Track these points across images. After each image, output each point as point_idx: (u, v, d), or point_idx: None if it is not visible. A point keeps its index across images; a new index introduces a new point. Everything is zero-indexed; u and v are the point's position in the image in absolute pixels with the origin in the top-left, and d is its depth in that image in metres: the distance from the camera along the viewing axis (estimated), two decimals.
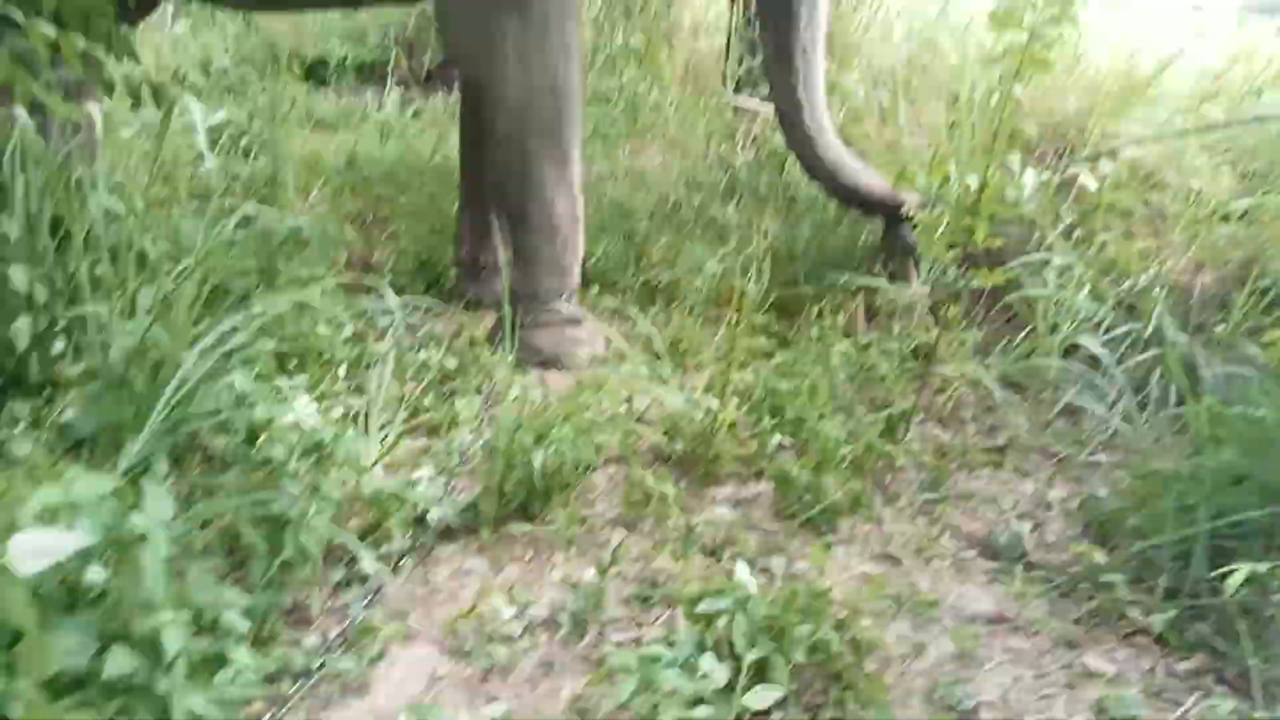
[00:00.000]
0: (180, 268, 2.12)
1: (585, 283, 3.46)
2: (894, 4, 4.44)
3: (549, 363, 2.81)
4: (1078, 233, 2.98)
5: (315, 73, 5.81)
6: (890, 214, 3.05)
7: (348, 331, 2.67)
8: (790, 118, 3.01)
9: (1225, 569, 1.62)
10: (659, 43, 5.49)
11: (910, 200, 2.96)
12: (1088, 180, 2.72)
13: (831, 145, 3.00)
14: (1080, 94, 3.32)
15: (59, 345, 2.19)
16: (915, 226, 2.92)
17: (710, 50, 5.17)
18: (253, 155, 4.19)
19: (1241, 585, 1.58)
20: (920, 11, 4.43)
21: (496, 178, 2.80)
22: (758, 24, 2.93)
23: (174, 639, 1.27)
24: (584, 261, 3.47)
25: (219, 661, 1.40)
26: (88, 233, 2.18)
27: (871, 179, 3.01)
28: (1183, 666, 1.72)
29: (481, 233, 3.26)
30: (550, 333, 2.84)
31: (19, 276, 2.06)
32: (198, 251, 2.13)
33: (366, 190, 3.95)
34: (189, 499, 1.76)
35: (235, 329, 1.99)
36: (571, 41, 2.62)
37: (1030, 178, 2.34)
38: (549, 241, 2.79)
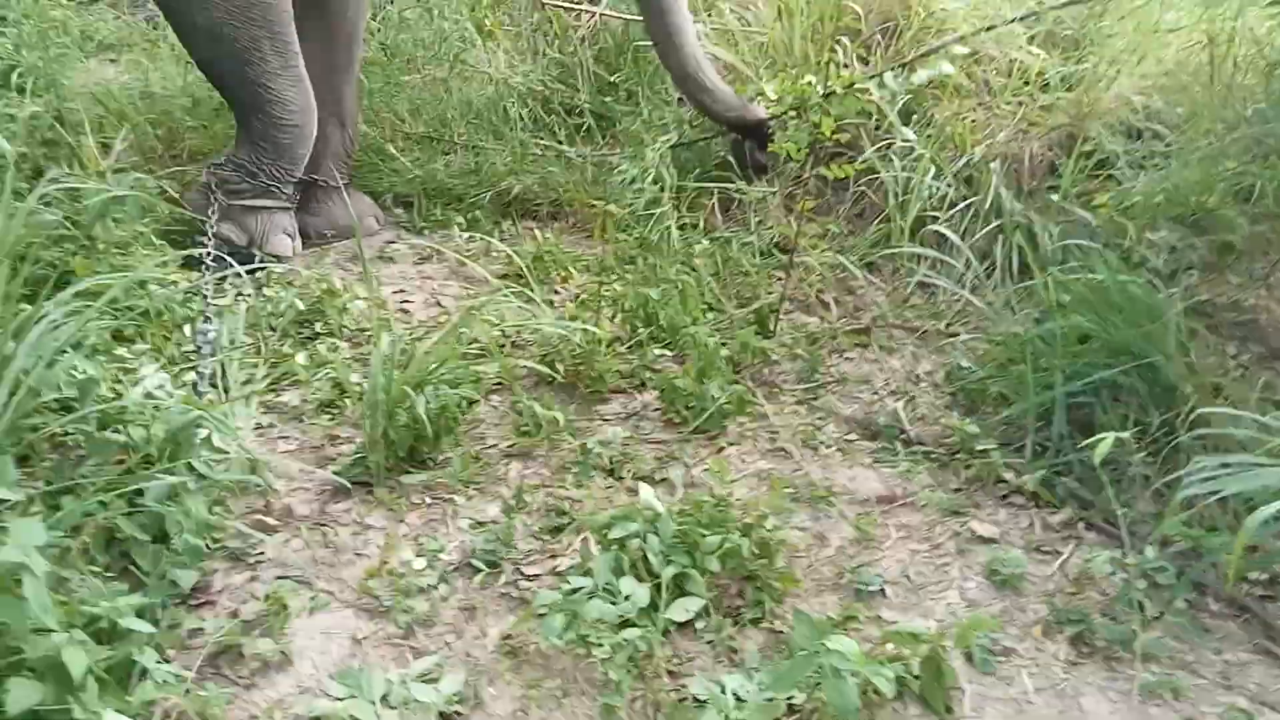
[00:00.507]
0: None
1: (429, 200, 3.33)
2: None
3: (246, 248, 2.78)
4: (914, 114, 3.06)
5: None
6: (741, 128, 3.03)
7: (183, 287, 2.48)
8: (660, 33, 2.92)
9: (1089, 436, 1.74)
10: None
11: (761, 114, 2.95)
12: (947, 68, 2.75)
13: (698, 53, 2.94)
14: None
15: None
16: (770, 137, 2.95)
17: None
18: (29, 92, 3.72)
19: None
20: None
21: (214, 76, 2.76)
22: None
23: (77, 660, 1.17)
24: (424, 179, 3.35)
25: (128, 668, 1.31)
26: None
27: (729, 96, 2.97)
28: (1057, 519, 1.88)
29: (312, 155, 3.04)
30: (244, 219, 2.79)
31: None
32: (3, 235, 1.89)
33: (171, 125, 3.60)
34: (49, 499, 1.61)
35: (64, 311, 1.79)
36: None
37: (891, 81, 2.37)
38: (282, 131, 2.74)
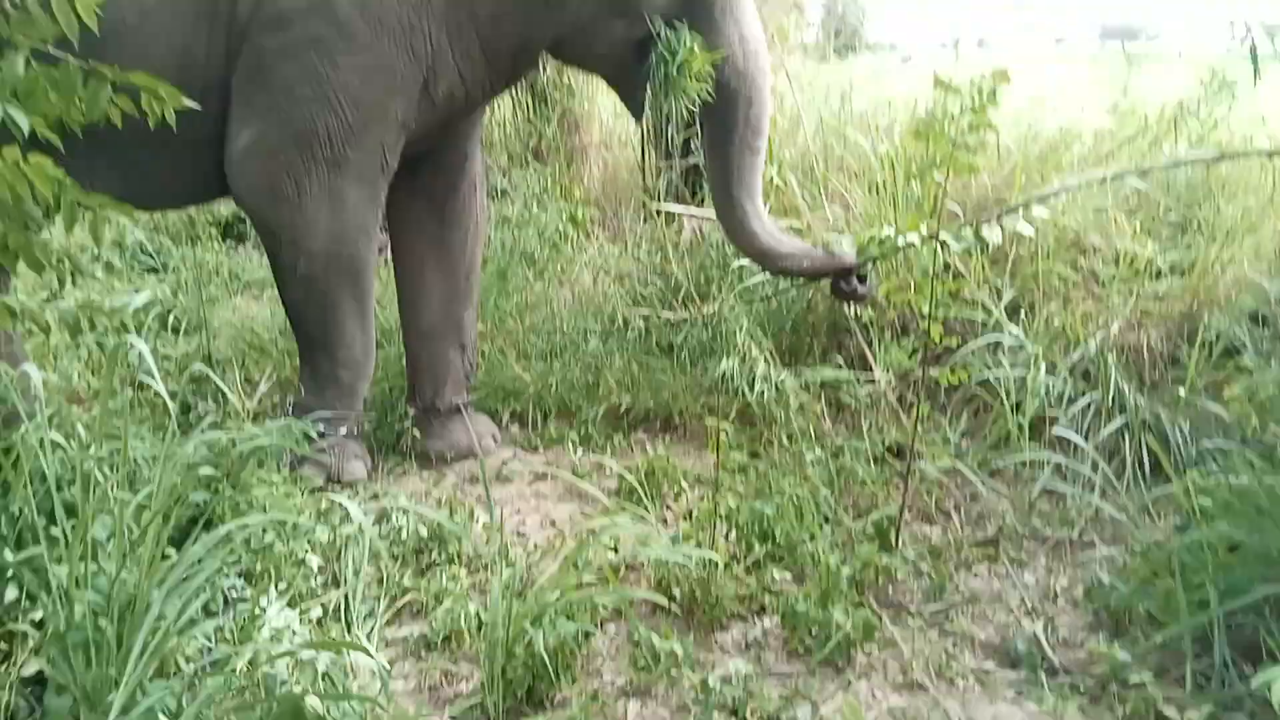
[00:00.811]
0: (138, 499, 2.01)
1: (544, 417, 3.43)
2: (800, 97, 4.57)
3: (329, 477, 2.87)
4: (1020, 309, 3.04)
5: (233, 230, 5.73)
6: (833, 274, 3.02)
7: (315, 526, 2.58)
8: (730, 221, 3.00)
9: (1255, 662, 1.61)
10: (574, 157, 5.59)
11: (850, 259, 2.95)
12: (1024, 228, 2.74)
13: (770, 236, 3.00)
14: (992, 168, 3.43)
15: (11, 592, 2.05)
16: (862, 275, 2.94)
17: (625, 162, 5.27)
18: (182, 331, 4.08)
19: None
20: (825, 103, 4.56)
21: (292, 310, 2.89)
22: (699, 123, 2.92)
23: None
24: (539, 392, 3.46)
25: None
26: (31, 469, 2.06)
27: (809, 249, 3.01)
28: None
29: (432, 377, 3.22)
30: (324, 456, 2.86)
31: None
32: (156, 482, 2.02)
33: None
34: None
35: (205, 557, 1.88)
36: (378, 191, 2.75)
37: (966, 235, 2.37)
38: (340, 368, 2.86)
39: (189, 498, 2.27)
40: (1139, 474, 2.56)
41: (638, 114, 2.88)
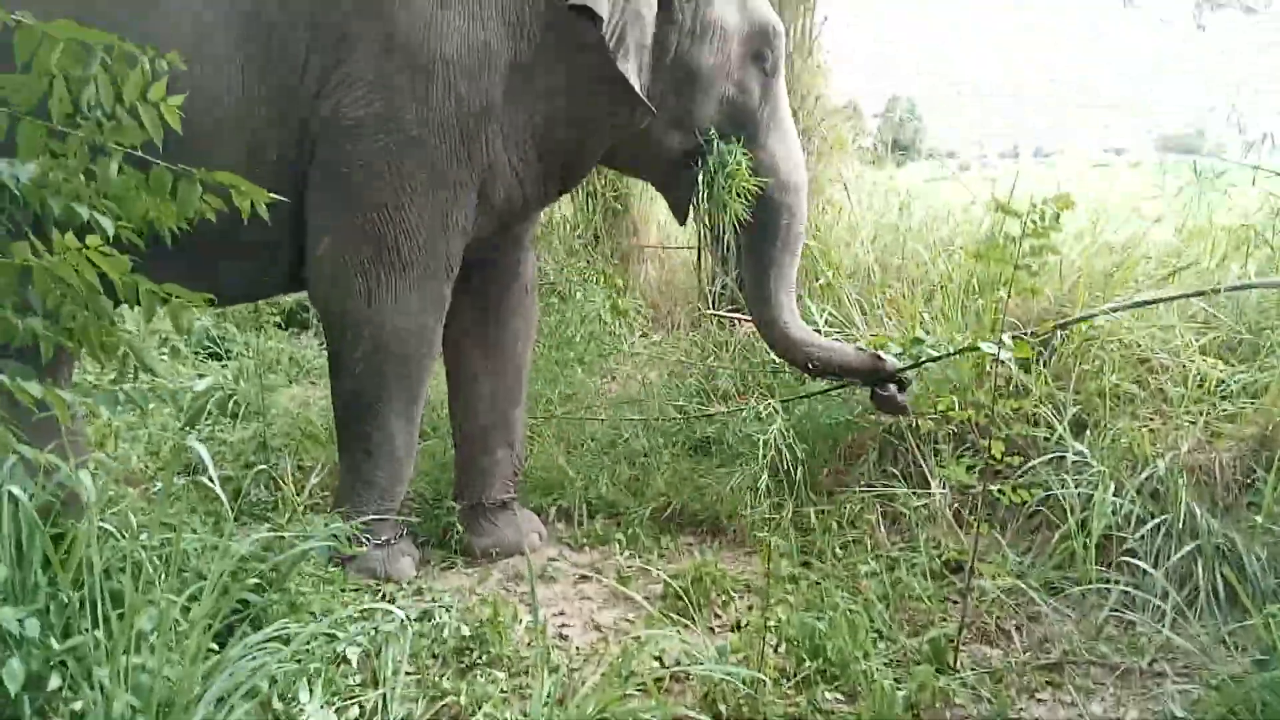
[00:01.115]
0: (187, 594, 2.01)
1: (590, 514, 3.40)
2: (857, 205, 4.61)
3: (377, 578, 2.81)
4: (1085, 425, 2.96)
5: (296, 318, 5.88)
6: (871, 377, 3.04)
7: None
8: (765, 317, 3.14)
9: None
10: (631, 256, 5.68)
11: (886, 360, 2.99)
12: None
13: (802, 330, 3.13)
14: (1055, 284, 3.39)
15: (55, 680, 2.05)
16: (902, 382, 2.98)
17: (684, 264, 5.33)
18: (240, 416, 4.15)
19: None
20: (883, 212, 4.60)
21: (342, 404, 2.88)
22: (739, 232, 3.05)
23: None
24: (588, 494, 3.43)
25: None
26: (84, 557, 2.07)
27: (846, 350, 3.08)
28: None
29: (480, 474, 3.21)
30: (373, 555, 2.83)
31: (8, 617, 1.94)
32: (205, 577, 2.02)
33: None
34: None
35: (248, 656, 1.87)
36: (443, 296, 2.80)
37: (1007, 341, 2.33)
38: (384, 469, 2.85)
39: (237, 596, 2.26)
40: (1213, 603, 2.43)
41: (682, 219, 3.17)
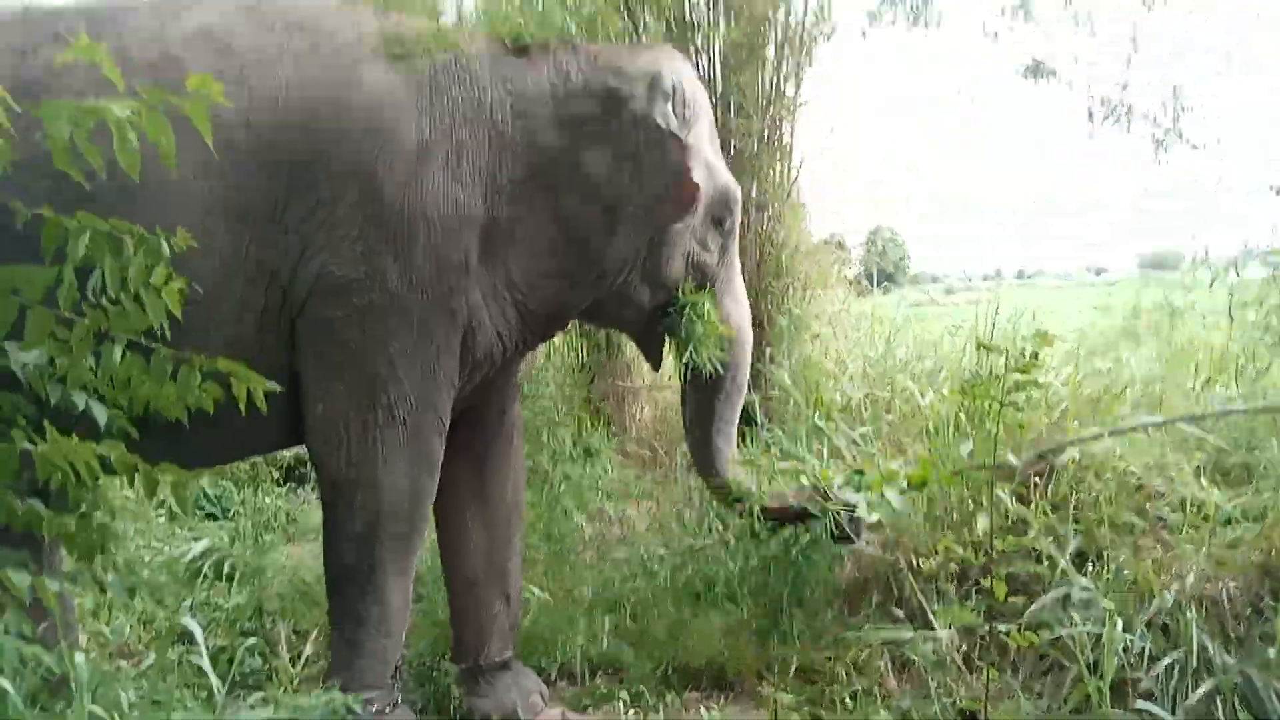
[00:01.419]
0: None
1: (591, 671, 3.31)
2: (842, 340, 4.69)
3: None
4: (1086, 555, 2.94)
5: (293, 473, 5.86)
6: (796, 512, 3.19)
7: None
8: (705, 466, 3.30)
9: None
10: (625, 398, 5.72)
11: (809, 495, 3.14)
12: (1072, 453, 2.75)
13: (739, 477, 3.26)
14: (1046, 412, 3.43)
15: None
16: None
17: (675, 404, 5.35)
18: (236, 580, 4.09)
19: None
20: (870, 344, 4.68)
21: (337, 569, 2.80)
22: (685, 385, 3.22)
23: None
24: (587, 650, 3.35)
25: None
26: None
27: (782, 494, 3.23)
28: None
29: (476, 630, 3.15)
30: None
31: None
32: None
33: None
34: None
35: None
36: (435, 452, 2.81)
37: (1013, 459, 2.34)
38: (378, 635, 2.76)
39: None
40: None
41: (656, 365, 3.39)
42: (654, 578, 3.68)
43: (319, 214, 2.60)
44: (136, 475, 2.01)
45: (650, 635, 3.37)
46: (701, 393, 3.20)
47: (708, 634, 3.29)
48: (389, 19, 2.84)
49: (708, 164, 2.99)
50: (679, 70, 2.94)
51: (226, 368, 2.03)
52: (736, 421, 3.29)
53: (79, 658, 1.96)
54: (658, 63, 2.91)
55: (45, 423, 1.93)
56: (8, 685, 1.94)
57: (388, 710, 2.79)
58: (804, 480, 3.21)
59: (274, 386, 2.08)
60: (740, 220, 3.23)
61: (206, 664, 2.12)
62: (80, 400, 2.00)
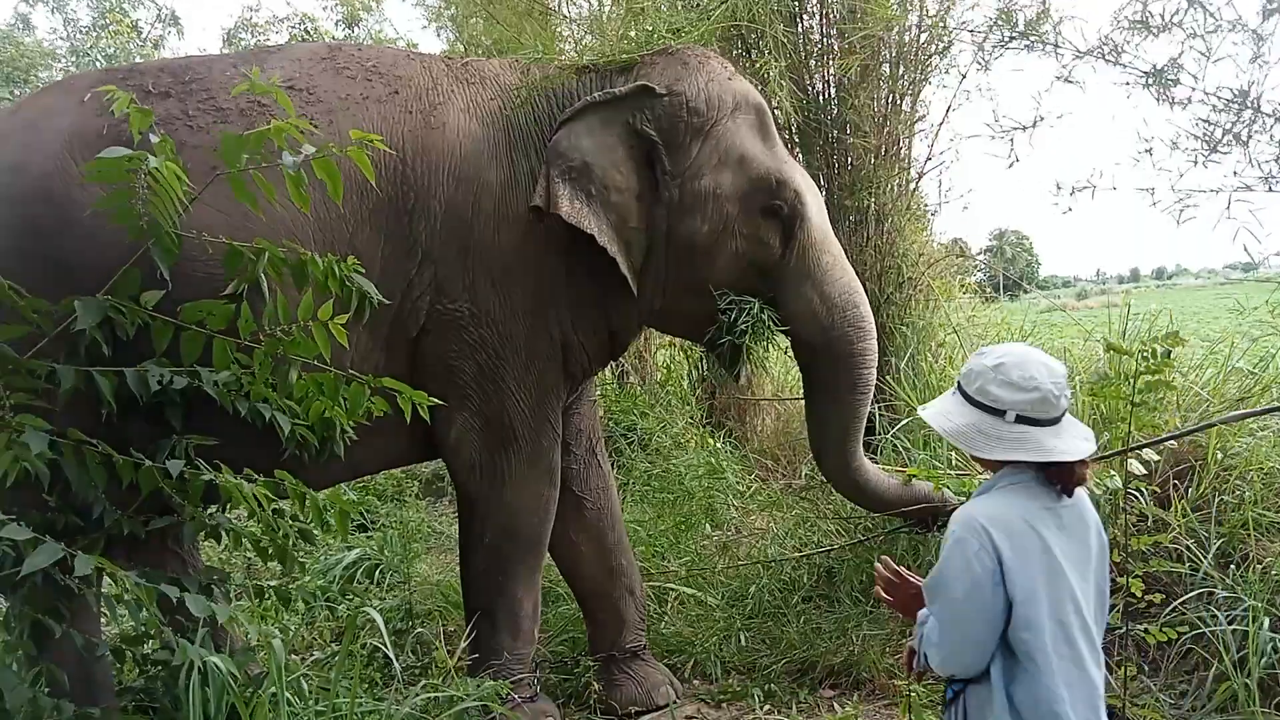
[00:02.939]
0: None
1: (724, 670, 3.40)
2: (969, 350, 4.65)
3: None
4: (1228, 556, 2.87)
5: (431, 487, 6.17)
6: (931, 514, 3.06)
7: None
8: (823, 456, 3.14)
9: None
10: (746, 411, 5.80)
11: (948, 496, 3.01)
12: (1138, 468, 2.62)
13: (866, 472, 3.08)
14: (1184, 414, 3.34)
15: None
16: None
17: (798, 414, 5.40)
18: (386, 585, 4.37)
19: None
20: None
21: (470, 575, 3.02)
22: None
23: None
24: (722, 650, 3.44)
25: None
26: None
27: (911, 491, 3.07)
28: None
29: (605, 627, 3.31)
30: (518, 716, 2.85)
31: None
32: None
33: None
34: None
35: None
36: (554, 463, 3.00)
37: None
38: (510, 635, 2.95)
39: None
40: None
41: (732, 374, 3.09)
42: (783, 581, 3.74)
43: (417, 253, 2.77)
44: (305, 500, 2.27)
45: (782, 636, 3.43)
46: (812, 396, 3.11)
47: (839, 634, 3.34)
48: (456, 63, 3.03)
49: (741, 157, 2.90)
50: (682, 76, 2.91)
51: (391, 385, 2.28)
52: (858, 416, 3.00)
53: (277, 643, 2.17)
54: (655, 75, 2.93)
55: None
56: (220, 664, 2.17)
57: (529, 695, 2.96)
58: (945, 485, 3.08)
59: (435, 401, 2.31)
60: (812, 207, 2.96)
61: (389, 648, 2.32)
62: (266, 411, 2.26)
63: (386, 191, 2.71)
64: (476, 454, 2.92)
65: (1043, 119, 3.58)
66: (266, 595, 2.59)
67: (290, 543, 2.33)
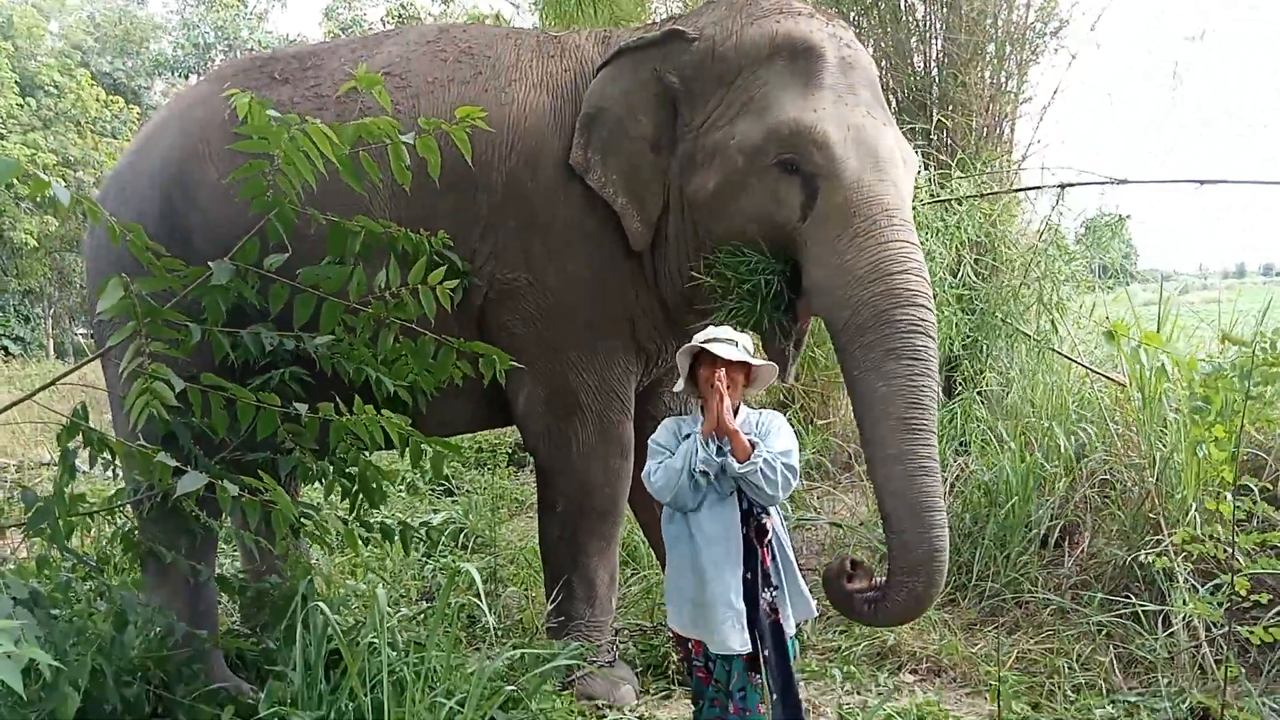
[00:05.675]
0: (446, 710, 2.22)
1: (803, 650, 3.39)
2: (1066, 337, 4.53)
3: (605, 704, 2.88)
4: None
5: (514, 458, 6.29)
6: None
7: None
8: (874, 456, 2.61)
9: None
10: (824, 398, 5.74)
11: None
12: None
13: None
14: None
15: None
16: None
17: None
18: (470, 549, 4.47)
19: None
20: (1094, 344, 4.50)
21: (546, 543, 3.10)
22: None
23: None
24: (800, 633, 3.43)
25: None
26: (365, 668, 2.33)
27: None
28: None
29: None
30: (596, 680, 2.92)
31: None
32: (464, 693, 2.24)
33: None
34: None
35: None
36: (624, 435, 3.00)
37: None
38: (584, 602, 3.00)
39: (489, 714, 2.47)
40: None
41: (775, 340, 2.75)
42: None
43: (480, 224, 2.83)
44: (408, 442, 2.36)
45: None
46: (846, 375, 2.53)
47: (919, 620, 3.30)
48: (546, 38, 3.03)
49: (765, 106, 2.60)
50: (722, 20, 2.73)
51: (478, 348, 2.36)
52: (904, 396, 2.35)
53: (381, 592, 2.27)
54: (694, 18, 2.84)
55: (356, 398, 2.30)
56: (328, 612, 2.28)
57: (609, 661, 3.02)
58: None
59: (517, 365, 2.38)
60: (848, 164, 2.49)
61: (484, 605, 2.40)
62: (371, 373, 2.36)
63: (455, 168, 2.68)
64: (544, 423, 2.98)
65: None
66: (391, 534, 2.68)
67: (380, 481, 2.48)
